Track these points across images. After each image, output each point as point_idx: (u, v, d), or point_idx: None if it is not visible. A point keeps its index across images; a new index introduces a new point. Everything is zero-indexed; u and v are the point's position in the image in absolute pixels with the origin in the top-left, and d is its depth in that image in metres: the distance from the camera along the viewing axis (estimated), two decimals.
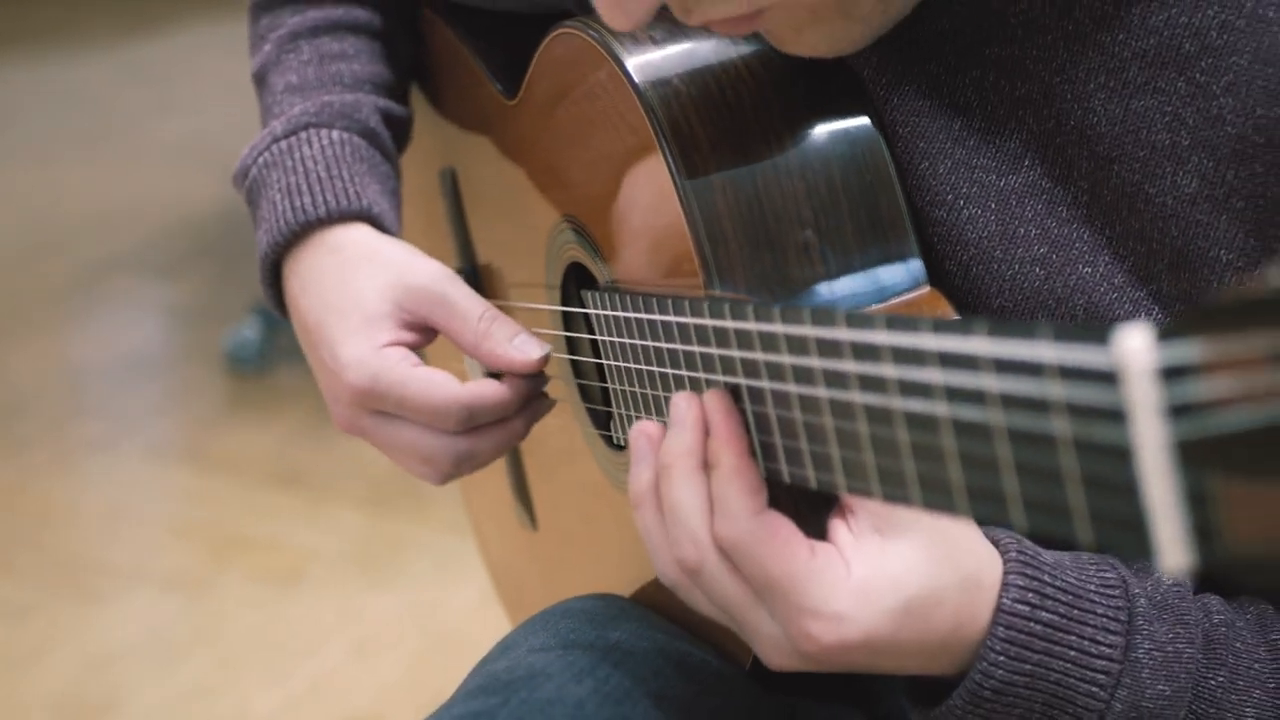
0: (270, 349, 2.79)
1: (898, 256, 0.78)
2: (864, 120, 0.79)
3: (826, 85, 0.80)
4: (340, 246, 0.93)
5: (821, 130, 0.79)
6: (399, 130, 1.03)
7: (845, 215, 0.77)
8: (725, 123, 0.79)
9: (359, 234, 0.93)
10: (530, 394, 0.92)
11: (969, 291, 0.77)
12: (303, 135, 0.96)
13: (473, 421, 0.89)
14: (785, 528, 0.67)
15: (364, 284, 0.91)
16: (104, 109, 4.25)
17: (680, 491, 0.69)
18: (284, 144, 0.96)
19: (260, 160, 0.96)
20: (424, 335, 0.92)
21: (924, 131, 0.78)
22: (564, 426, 1.00)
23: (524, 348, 0.90)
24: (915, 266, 0.78)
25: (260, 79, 1.03)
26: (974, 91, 0.77)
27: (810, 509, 0.69)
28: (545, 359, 0.90)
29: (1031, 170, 0.75)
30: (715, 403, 0.69)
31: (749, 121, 0.79)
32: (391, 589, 2.20)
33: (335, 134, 0.96)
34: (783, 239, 0.77)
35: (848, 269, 0.77)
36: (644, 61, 0.81)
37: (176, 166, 3.70)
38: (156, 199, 3.55)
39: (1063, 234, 0.74)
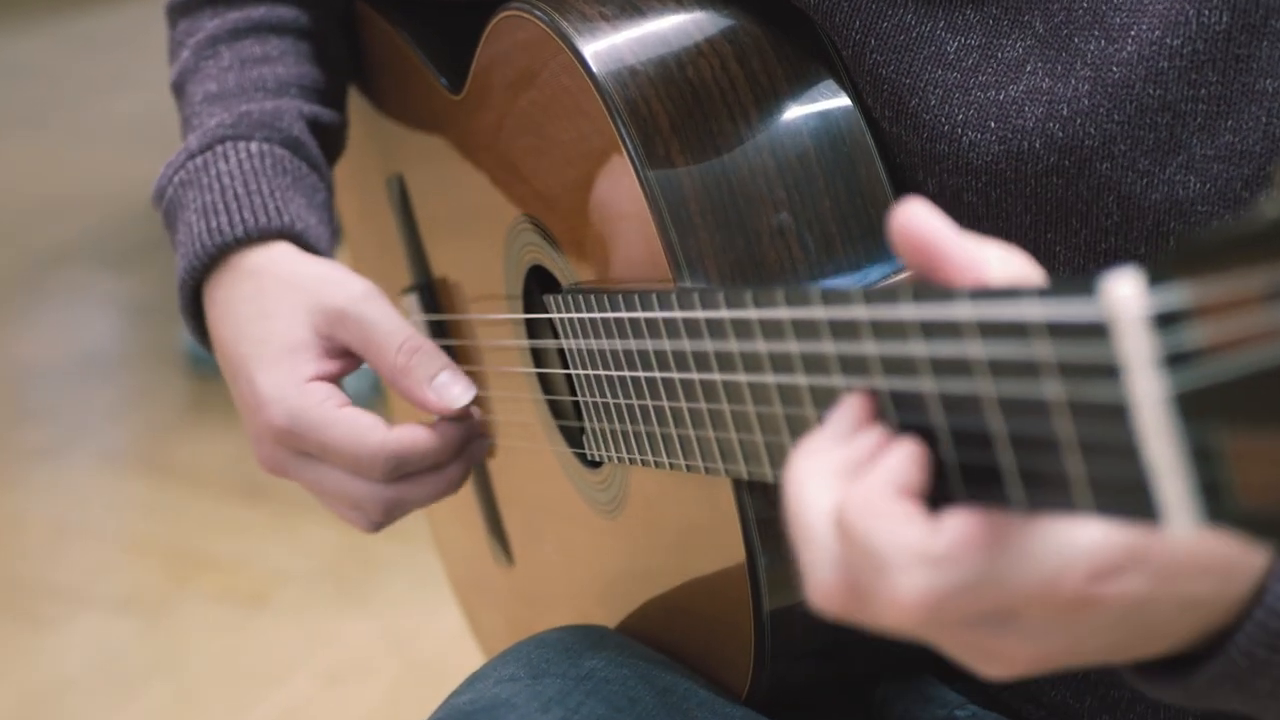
0: None
1: (882, 233, 0.79)
2: (835, 88, 0.81)
3: (793, 56, 0.82)
4: (259, 270, 0.94)
5: (791, 103, 0.81)
6: (329, 137, 1.04)
7: (822, 192, 0.79)
8: (687, 102, 0.80)
9: (279, 254, 0.95)
10: (467, 438, 0.94)
11: (998, 217, 0.79)
12: (219, 150, 0.97)
13: (401, 470, 0.91)
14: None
15: (283, 311, 0.93)
16: (51, 84, 4.26)
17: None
18: (199, 160, 0.97)
19: (176, 179, 0.98)
20: (348, 361, 0.94)
21: (908, 68, 0.80)
22: (534, 450, 1.01)
23: (444, 391, 0.92)
24: None
25: (179, 89, 1.04)
26: (972, 8, 0.79)
27: None
28: (469, 406, 0.92)
29: (1033, 75, 0.77)
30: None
31: (712, 99, 0.80)
32: (366, 612, 2.21)
33: (254, 146, 0.98)
34: (755, 222, 0.78)
35: (828, 251, 0.79)
36: (597, 41, 0.82)
37: (131, 146, 3.70)
38: (109, 182, 3.55)
39: (1067, 135, 0.76)
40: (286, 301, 0.93)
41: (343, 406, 0.91)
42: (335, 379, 0.93)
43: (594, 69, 0.81)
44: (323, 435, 0.90)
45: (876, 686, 0.91)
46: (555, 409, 0.98)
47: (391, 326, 0.92)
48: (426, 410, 0.92)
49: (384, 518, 0.93)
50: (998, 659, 0.56)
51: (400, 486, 0.92)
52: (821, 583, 0.55)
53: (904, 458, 0.55)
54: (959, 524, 0.52)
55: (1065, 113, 0.76)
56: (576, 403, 0.93)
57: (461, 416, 0.93)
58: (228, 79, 1.01)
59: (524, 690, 0.84)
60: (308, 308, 0.93)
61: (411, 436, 0.91)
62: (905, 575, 0.52)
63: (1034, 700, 0.86)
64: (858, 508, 0.54)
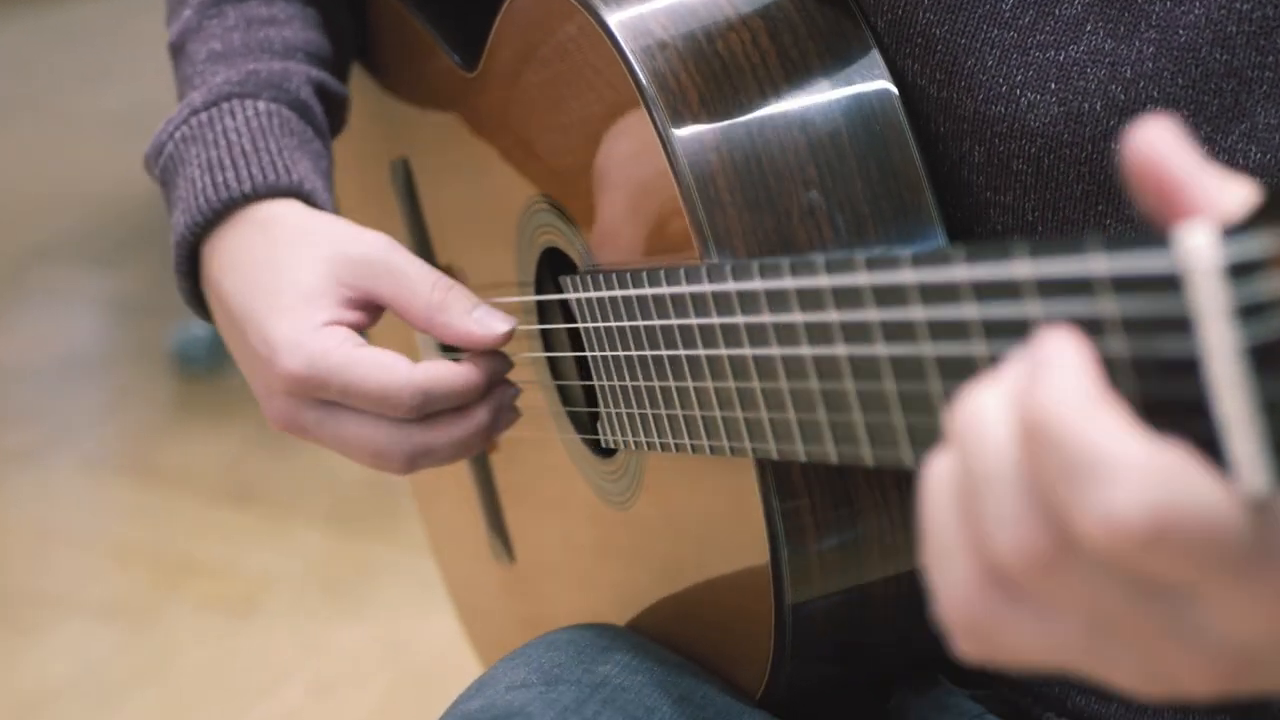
0: (222, 348, 2.77)
1: (914, 216, 0.80)
2: (868, 67, 0.82)
3: (826, 32, 0.82)
4: (269, 222, 0.93)
5: (823, 80, 0.81)
6: (334, 107, 1.04)
7: (854, 172, 0.79)
8: (716, 75, 0.80)
9: (290, 208, 0.94)
10: (493, 375, 0.92)
11: (1048, 187, 0.79)
12: (225, 106, 0.97)
13: (429, 407, 0.89)
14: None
15: (298, 261, 0.91)
16: (31, 76, 4.26)
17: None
18: (204, 116, 0.97)
19: (178, 135, 0.97)
20: (369, 314, 0.93)
21: (963, 28, 0.80)
22: (539, 442, 1.01)
23: (485, 321, 0.90)
24: (933, 227, 0.80)
25: (179, 48, 1.04)
26: None
27: None
28: (510, 334, 0.91)
29: (1094, 35, 0.77)
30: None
31: (743, 72, 0.81)
32: (359, 618, 2.21)
33: (262, 105, 0.97)
34: (785, 200, 0.79)
35: (859, 232, 0.79)
36: (623, 11, 0.82)
37: (115, 141, 3.70)
38: (93, 178, 3.56)
39: (1129, 99, 0.76)
40: (301, 252, 0.92)
41: (361, 347, 0.89)
42: (352, 329, 0.91)
43: (620, 40, 0.81)
44: (346, 375, 0.88)
45: (891, 695, 0.91)
46: (565, 396, 0.98)
47: (421, 270, 0.91)
48: (468, 344, 0.91)
49: (409, 465, 0.91)
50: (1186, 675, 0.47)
51: (427, 429, 0.90)
52: (1005, 517, 0.46)
53: (1079, 351, 0.47)
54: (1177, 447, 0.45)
55: (1128, 75, 0.76)
56: (588, 389, 0.92)
57: (497, 348, 0.91)
58: (233, 38, 1.01)
59: (538, 699, 0.83)
60: (327, 257, 0.91)
61: (438, 370, 0.89)
62: (1123, 487, 0.44)
63: (1056, 708, 0.85)
64: (1052, 405, 0.46)
